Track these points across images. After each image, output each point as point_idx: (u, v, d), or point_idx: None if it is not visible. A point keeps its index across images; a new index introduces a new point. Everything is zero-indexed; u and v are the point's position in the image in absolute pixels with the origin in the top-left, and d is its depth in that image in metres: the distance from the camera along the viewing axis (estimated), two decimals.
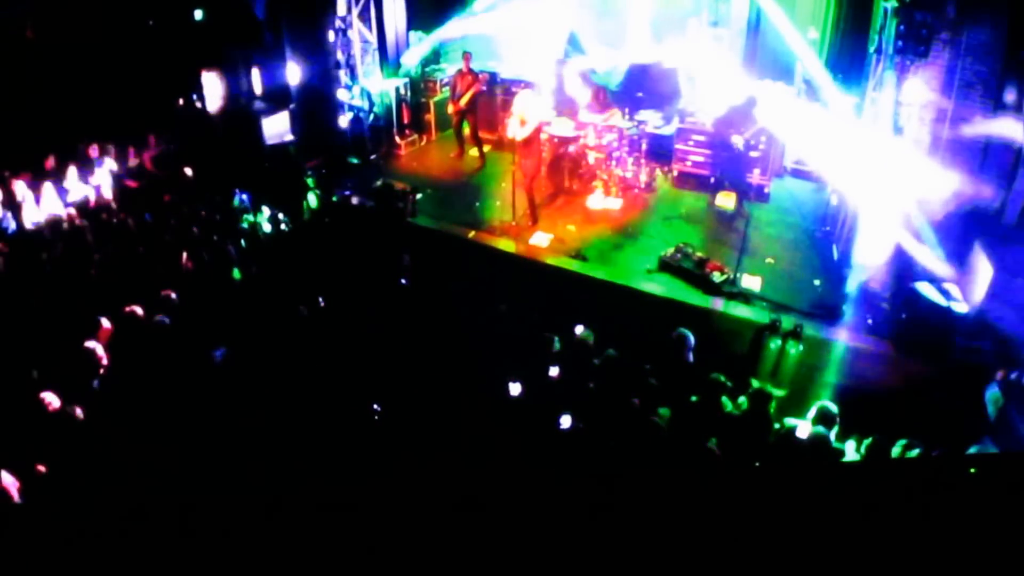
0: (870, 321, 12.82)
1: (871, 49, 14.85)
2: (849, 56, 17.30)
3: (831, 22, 18.31)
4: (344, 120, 19.40)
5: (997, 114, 12.18)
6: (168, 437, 8.73)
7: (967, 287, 12.41)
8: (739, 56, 19.82)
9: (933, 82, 12.60)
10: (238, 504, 5.93)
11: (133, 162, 17.42)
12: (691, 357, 10.65)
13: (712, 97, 18.80)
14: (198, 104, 19.35)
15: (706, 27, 19.73)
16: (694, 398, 9.81)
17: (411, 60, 21.34)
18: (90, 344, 10.10)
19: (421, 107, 21.27)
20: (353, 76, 19.78)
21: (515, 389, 9.66)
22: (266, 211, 15.63)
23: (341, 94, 19.59)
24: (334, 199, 16.87)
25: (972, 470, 4.42)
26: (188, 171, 16.99)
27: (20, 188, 15.47)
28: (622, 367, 10.21)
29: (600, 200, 17.05)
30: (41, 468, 8.02)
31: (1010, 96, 12.10)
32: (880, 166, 13.26)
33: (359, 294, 12.27)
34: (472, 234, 16.00)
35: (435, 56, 22.23)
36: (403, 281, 13.06)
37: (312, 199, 16.31)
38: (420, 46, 21.50)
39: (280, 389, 9.74)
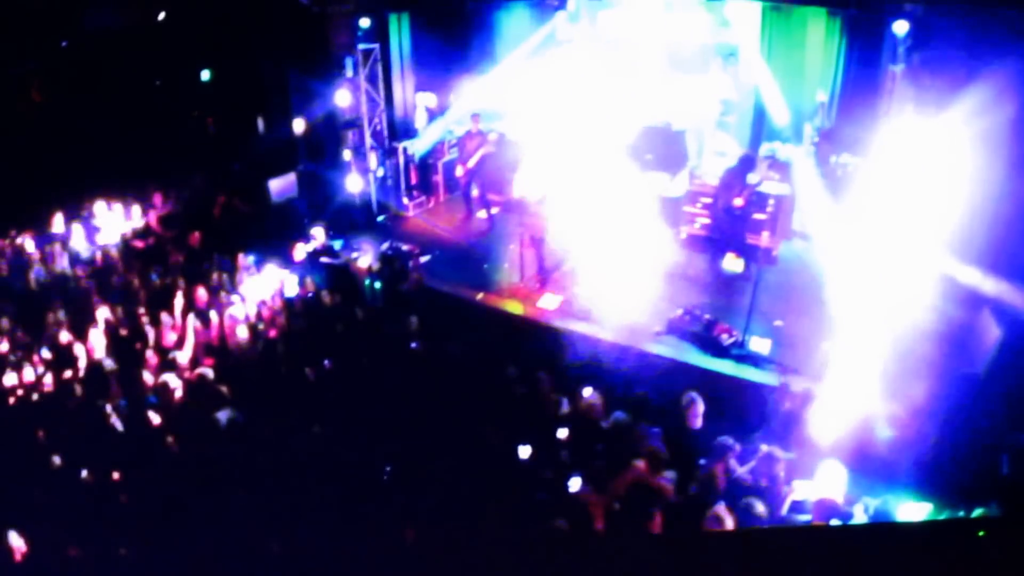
0: (879, 384, 12.73)
1: (881, 111, 14.89)
2: (858, 119, 17.33)
3: (839, 84, 18.38)
4: (352, 181, 19.43)
5: (1011, 170, 12.16)
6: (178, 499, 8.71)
7: (978, 352, 12.35)
8: (749, 116, 19.89)
9: (945, 141, 12.60)
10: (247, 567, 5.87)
11: (139, 222, 17.44)
12: (700, 420, 10.59)
13: (714, 159, 18.90)
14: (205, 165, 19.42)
15: (715, 90, 19.83)
16: (702, 461, 9.76)
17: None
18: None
19: (429, 168, 21.28)
20: (360, 137, 19.86)
21: (524, 452, 9.62)
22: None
23: (348, 155, 19.65)
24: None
25: (980, 532, 4.37)
26: (195, 231, 17.01)
27: (28, 245, 15.57)
28: (631, 430, 10.16)
29: None
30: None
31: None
32: (889, 227, 13.26)
33: (367, 357, 12.25)
34: (480, 296, 15.98)
35: (443, 115, 22.32)
36: (412, 344, 13.03)
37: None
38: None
39: (287, 451, 9.71)
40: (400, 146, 20.64)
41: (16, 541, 7.96)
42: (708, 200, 17.49)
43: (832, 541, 7.89)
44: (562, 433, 10.12)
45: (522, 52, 21.53)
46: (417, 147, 21.15)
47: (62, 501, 8.97)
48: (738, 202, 16.16)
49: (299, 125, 20.02)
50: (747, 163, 16.60)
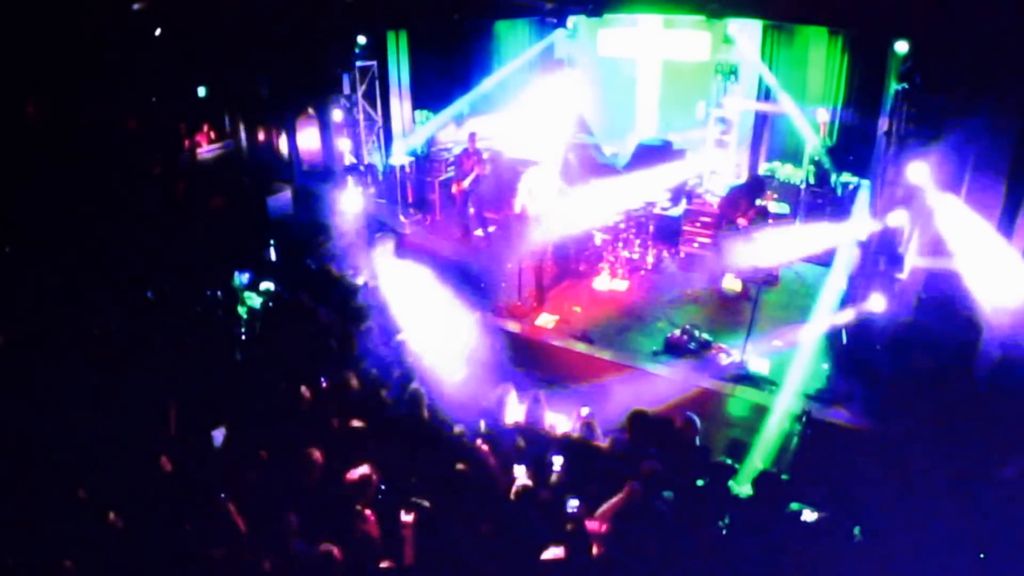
0: (877, 405, 12.66)
1: (882, 131, 14.84)
2: (860, 137, 17.30)
3: (841, 103, 18.35)
4: (348, 198, 19.34)
5: (1011, 195, 12.10)
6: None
7: (978, 371, 12.29)
8: (748, 137, 19.86)
9: (945, 164, 12.54)
10: None
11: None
12: (698, 440, 10.50)
13: (718, 179, 18.85)
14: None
15: (714, 109, 19.80)
16: (700, 482, 9.67)
17: (417, 140, 21.41)
18: None
19: (426, 186, 21.21)
20: (358, 154, 19.79)
21: (519, 471, 9.51)
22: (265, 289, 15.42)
23: (344, 171, 19.62)
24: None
25: (981, 555, 4.31)
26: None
27: None
28: (627, 448, 10.08)
29: (606, 282, 17.00)
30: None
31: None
32: (888, 246, 13.20)
33: (359, 373, 12.12)
34: (477, 315, 15.88)
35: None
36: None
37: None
38: (426, 127, 21.57)
39: (281, 469, 9.60)
40: (397, 163, 20.57)
41: None
42: (708, 219, 17.44)
43: (832, 560, 7.83)
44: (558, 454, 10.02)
45: (521, 70, 21.52)
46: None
47: None
48: (742, 222, 16.10)
49: (296, 142, 19.99)
50: (756, 185, 16.56)
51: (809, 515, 9.04)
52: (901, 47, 13.85)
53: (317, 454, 9.32)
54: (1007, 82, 11.89)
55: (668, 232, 18.02)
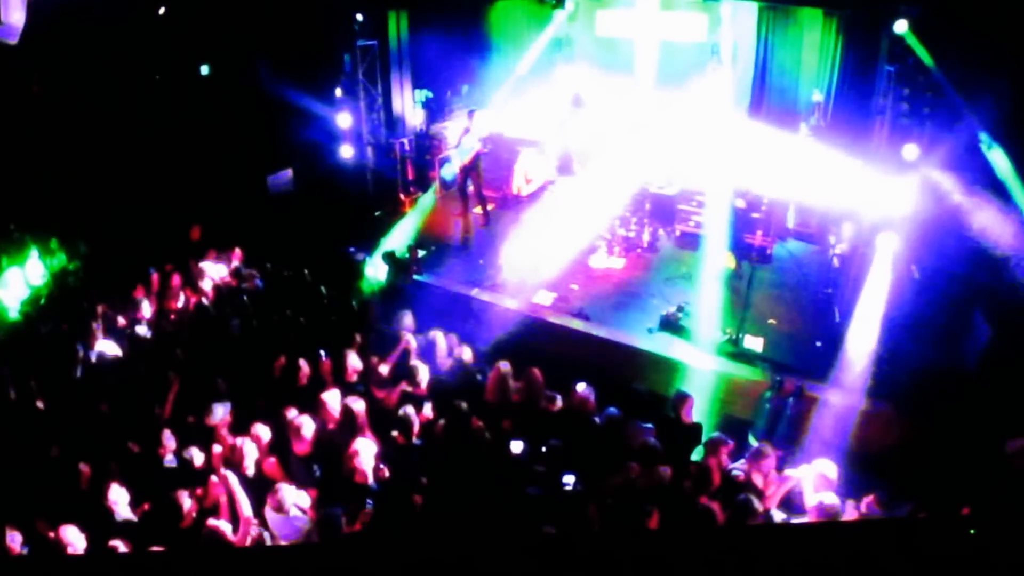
0: (871, 382, 12.80)
1: (875, 111, 14.93)
2: (853, 118, 17.38)
3: (834, 84, 18.43)
4: (349, 176, 19.43)
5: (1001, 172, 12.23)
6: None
7: (965, 351, 12.42)
8: (745, 104, 19.89)
9: (937, 143, 12.67)
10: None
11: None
12: (692, 416, 10.63)
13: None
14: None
15: (711, 71, 19.84)
16: (695, 457, 9.80)
17: (416, 120, 21.50)
18: None
19: (425, 164, 21.34)
20: (359, 133, 19.87)
21: (516, 447, 9.62)
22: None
23: (345, 151, 19.68)
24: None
25: (972, 531, 4.43)
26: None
27: None
28: (624, 425, 10.18)
29: (603, 259, 17.12)
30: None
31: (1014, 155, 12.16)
32: (883, 226, 13.33)
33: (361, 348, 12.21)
34: (475, 291, 16.03)
35: (440, 112, 22.36)
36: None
37: None
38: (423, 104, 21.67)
39: (279, 443, 9.72)
40: (397, 142, 20.67)
41: None
42: (703, 199, 17.53)
43: (827, 539, 7.97)
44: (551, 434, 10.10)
45: (520, 50, 21.59)
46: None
47: None
48: (740, 204, 16.24)
49: (297, 120, 20.04)
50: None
51: (803, 488, 9.20)
52: (900, 27, 13.87)
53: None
54: (999, 62, 12.02)
55: (664, 210, 18.13)
